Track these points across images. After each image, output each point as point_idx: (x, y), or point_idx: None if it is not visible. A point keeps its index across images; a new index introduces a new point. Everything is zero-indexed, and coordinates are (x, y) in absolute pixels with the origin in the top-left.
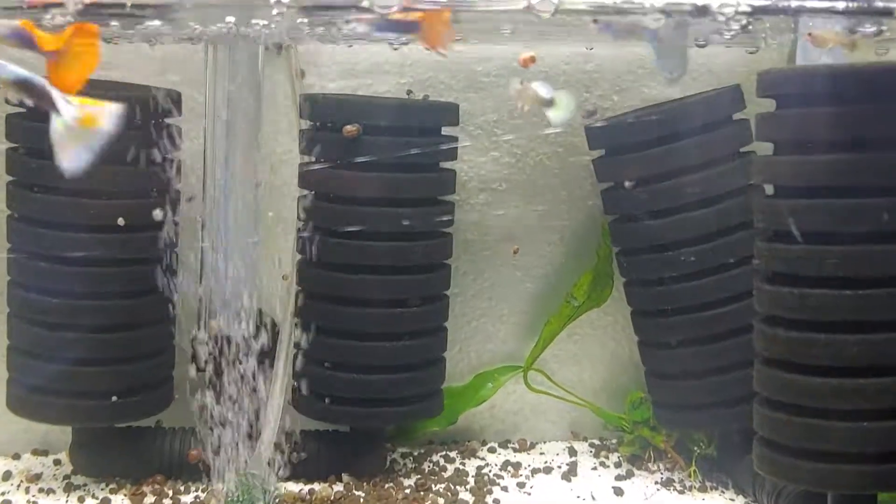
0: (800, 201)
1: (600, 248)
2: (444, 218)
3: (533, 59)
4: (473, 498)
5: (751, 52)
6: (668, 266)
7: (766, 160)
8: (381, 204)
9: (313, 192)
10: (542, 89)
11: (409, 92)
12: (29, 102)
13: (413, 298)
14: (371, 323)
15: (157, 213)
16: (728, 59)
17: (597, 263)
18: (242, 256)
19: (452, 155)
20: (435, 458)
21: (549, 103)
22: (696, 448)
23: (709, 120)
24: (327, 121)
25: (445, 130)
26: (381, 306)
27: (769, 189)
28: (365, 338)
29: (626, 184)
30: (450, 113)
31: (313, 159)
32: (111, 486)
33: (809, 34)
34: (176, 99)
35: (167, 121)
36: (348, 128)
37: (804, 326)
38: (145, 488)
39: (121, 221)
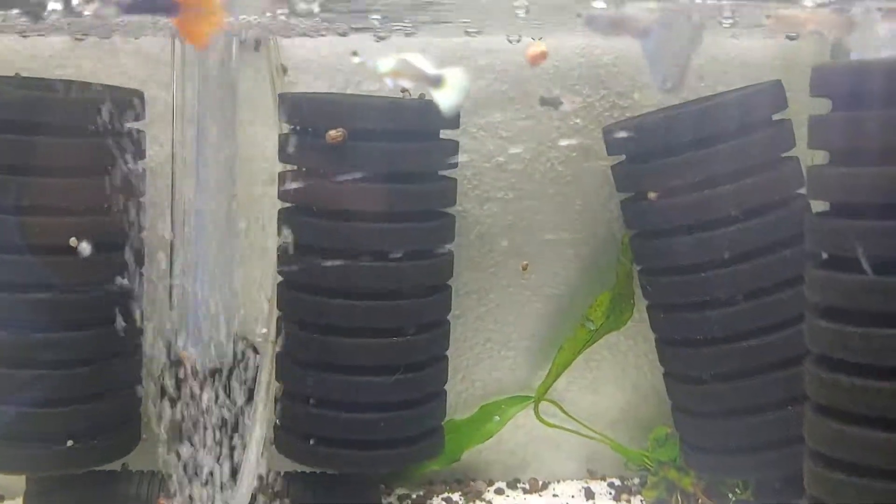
0: (865, 222)
1: (620, 265)
2: (444, 233)
3: (544, 56)
4: None
5: (791, 39)
6: (698, 289)
7: (820, 172)
8: (371, 219)
9: (294, 205)
10: (423, 64)
11: (403, 91)
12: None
13: (408, 326)
14: (360, 354)
15: (120, 231)
16: (763, 48)
17: (616, 282)
18: (217, 278)
19: (452, 162)
20: (436, 501)
21: (436, 82)
22: (730, 494)
23: (746, 121)
24: (308, 124)
25: (444, 134)
26: (371, 335)
27: (821, 205)
28: (353, 371)
29: (650, 195)
30: (450, 114)
31: (294, 168)
32: None
33: (769, 16)
34: (139, 100)
35: (129, 125)
36: (332, 132)
37: (869, 372)
38: None
39: (73, 242)
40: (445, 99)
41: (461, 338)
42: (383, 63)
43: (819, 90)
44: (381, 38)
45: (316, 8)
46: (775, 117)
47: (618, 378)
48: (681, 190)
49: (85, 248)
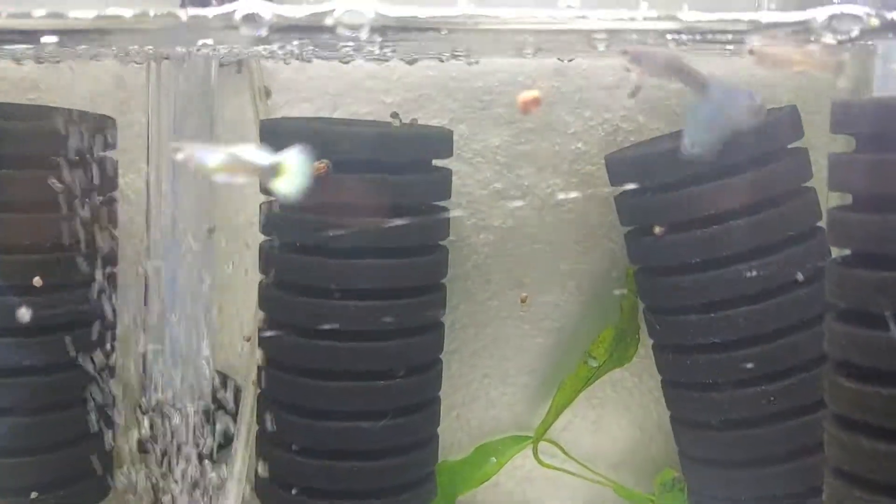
0: (891, 274)
1: (624, 298)
2: (437, 267)
3: (537, 102)
4: None
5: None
6: (707, 330)
7: (843, 217)
8: (358, 254)
9: (276, 239)
10: (255, 156)
11: (394, 115)
12: None
13: (398, 367)
14: (345, 398)
15: (86, 267)
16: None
17: (620, 316)
18: (194, 315)
19: (445, 192)
20: None
21: (272, 171)
22: None
23: (760, 150)
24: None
25: (437, 163)
26: (357, 378)
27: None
28: (338, 417)
29: (656, 229)
30: (441, 141)
31: (274, 200)
32: None
33: (751, 50)
34: (110, 126)
35: (100, 154)
36: (314, 164)
37: (892, 438)
38: None
39: (38, 281)
40: (285, 187)
41: (456, 374)
42: (210, 159)
43: (842, 127)
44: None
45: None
46: (791, 146)
47: (622, 417)
48: (689, 225)
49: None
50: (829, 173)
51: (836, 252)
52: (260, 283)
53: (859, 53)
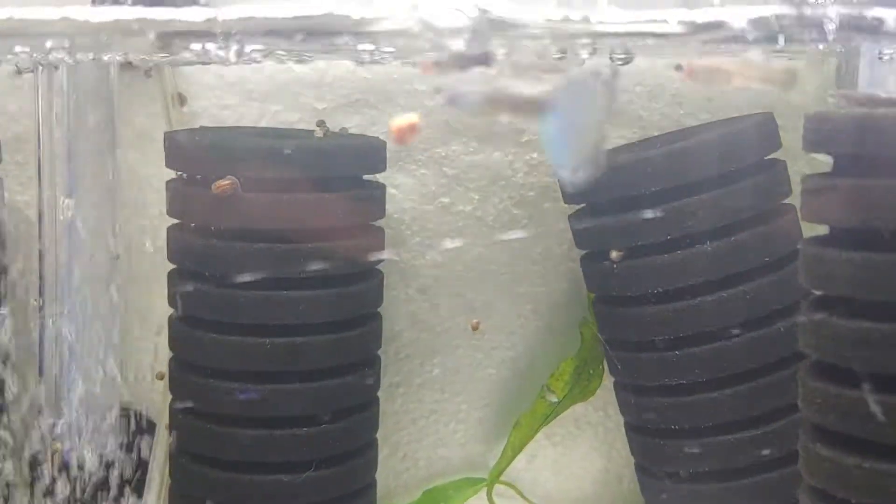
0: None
1: (585, 325)
2: (369, 296)
3: (413, 129)
4: None
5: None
6: (672, 369)
7: (817, 254)
8: (273, 286)
9: (180, 268)
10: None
11: (320, 123)
12: None
13: (322, 412)
14: (262, 449)
15: None
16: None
17: (581, 345)
18: (95, 351)
19: (378, 210)
20: None
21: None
22: None
23: (731, 164)
24: (196, 170)
25: (368, 177)
26: (276, 426)
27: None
28: (254, 470)
29: (613, 254)
30: (373, 153)
31: (181, 223)
32: None
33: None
34: None
35: None
36: (219, 182)
37: None
38: None
39: None
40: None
41: (401, 409)
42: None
43: (816, 146)
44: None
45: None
46: (766, 158)
47: (585, 456)
48: (649, 250)
49: None
50: (801, 202)
51: None
52: (170, 317)
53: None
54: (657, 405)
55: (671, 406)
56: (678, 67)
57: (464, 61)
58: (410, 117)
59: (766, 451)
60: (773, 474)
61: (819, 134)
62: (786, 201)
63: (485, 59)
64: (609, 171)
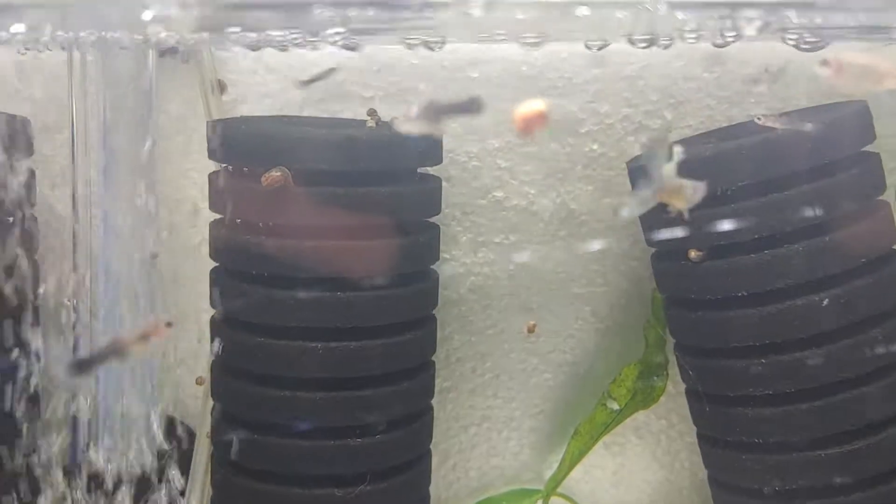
0: None
1: (649, 328)
2: (424, 299)
3: (542, 118)
4: None
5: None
6: (756, 380)
7: None
8: (325, 286)
9: (226, 267)
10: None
11: (371, 113)
12: None
13: (376, 422)
14: (312, 461)
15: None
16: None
17: (645, 350)
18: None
19: (434, 206)
20: None
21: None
22: None
23: (825, 157)
24: (243, 161)
25: (423, 170)
26: (326, 437)
27: None
28: (304, 483)
29: (692, 253)
30: (428, 147)
31: (227, 219)
32: None
33: (825, 62)
34: (23, 129)
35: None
36: (270, 174)
37: None
38: None
39: None
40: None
41: (452, 416)
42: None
43: None
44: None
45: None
46: (864, 150)
47: (647, 467)
48: (736, 249)
49: None
50: None
51: None
52: (212, 318)
53: None
54: (735, 416)
55: (754, 418)
56: (824, 63)
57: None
58: (537, 105)
59: (858, 469)
60: (866, 493)
61: None
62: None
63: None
64: (689, 163)
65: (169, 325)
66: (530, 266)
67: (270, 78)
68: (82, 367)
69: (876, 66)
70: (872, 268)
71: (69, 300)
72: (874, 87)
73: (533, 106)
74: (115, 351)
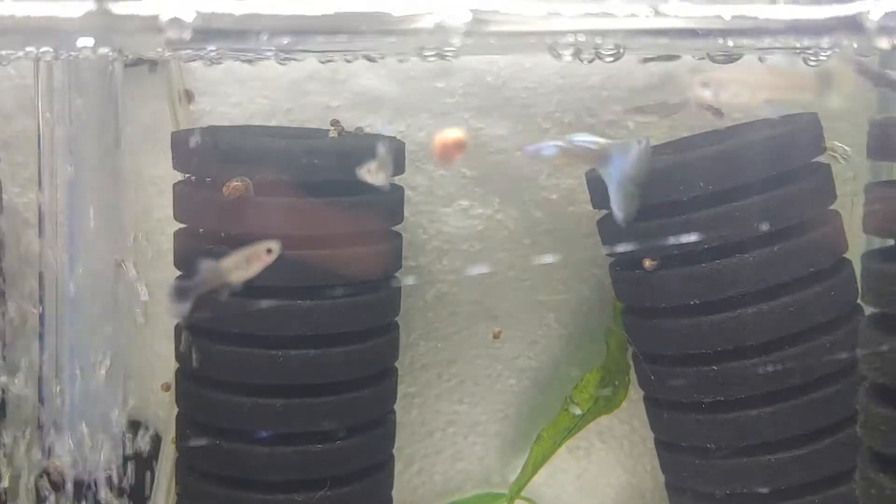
0: None
1: (611, 334)
2: (386, 306)
3: (460, 145)
4: None
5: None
6: (710, 385)
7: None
8: (287, 294)
9: (187, 275)
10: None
11: (334, 123)
12: None
13: (337, 429)
14: (271, 468)
15: None
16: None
17: (607, 355)
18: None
19: (396, 215)
20: None
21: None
22: None
23: (776, 167)
24: (205, 172)
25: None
26: (287, 443)
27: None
28: (265, 489)
29: (647, 262)
30: (391, 154)
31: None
32: None
33: (706, 83)
34: None
35: None
36: (231, 184)
37: None
38: None
39: None
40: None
41: (417, 421)
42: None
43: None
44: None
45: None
46: (812, 161)
47: (610, 471)
48: (688, 258)
49: None
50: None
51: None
52: (176, 325)
53: None
54: (691, 423)
55: (707, 424)
56: (704, 84)
57: None
58: (455, 132)
59: (809, 473)
60: (816, 497)
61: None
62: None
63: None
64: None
65: (269, 251)
66: (495, 274)
67: (238, 88)
68: (182, 293)
69: (745, 80)
70: (822, 276)
71: (35, 307)
72: (749, 101)
73: (452, 133)
74: (217, 277)
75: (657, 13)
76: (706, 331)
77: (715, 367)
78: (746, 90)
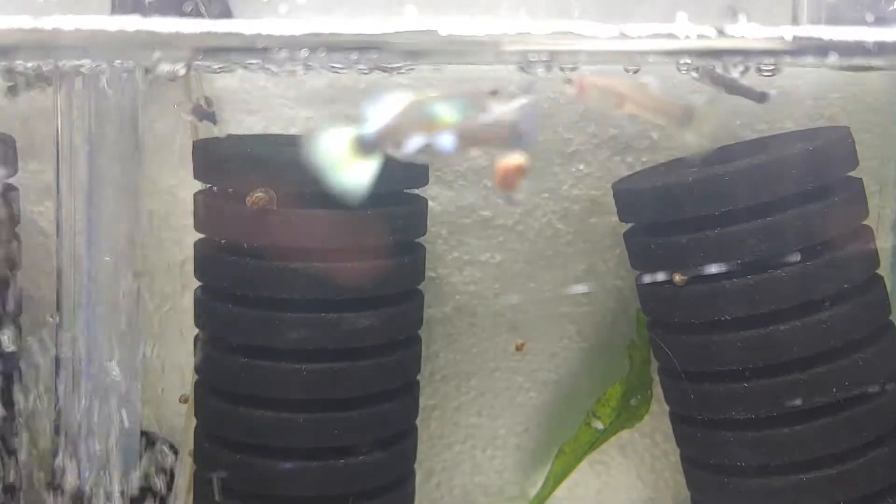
0: None
1: (634, 348)
2: (407, 319)
3: (521, 171)
4: None
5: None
6: (743, 403)
7: None
8: (309, 307)
9: (210, 287)
10: None
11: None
12: None
13: (361, 443)
14: (294, 483)
15: None
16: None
17: (629, 369)
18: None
19: (419, 227)
20: None
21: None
22: None
23: (812, 182)
24: (228, 182)
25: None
26: (310, 457)
27: None
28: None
29: (677, 277)
30: (416, 166)
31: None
32: None
33: (569, 80)
34: (5, 147)
35: None
36: (255, 195)
37: None
38: None
39: None
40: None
41: (436, 434)
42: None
43: None
44: None
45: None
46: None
47: (631, 486)
48: (721, 274)
49: None
50: None
51: None
52: (195, 337)
53: None
54: (722, 441)
55: (739, 443)
56: (568, 81)
57: None
58: (516, 158)
59: (841, 492)
60: None
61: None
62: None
63: None
64: (674, 188)
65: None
66: (516, 285)
67: (258, 95)
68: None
69: (615, 89)
70: (856, 293)
71: (52, 317)
72: (614, 110)
73: (514, 159)
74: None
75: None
76: (737, 347)
77: (745, 384)
78: (613, 99)
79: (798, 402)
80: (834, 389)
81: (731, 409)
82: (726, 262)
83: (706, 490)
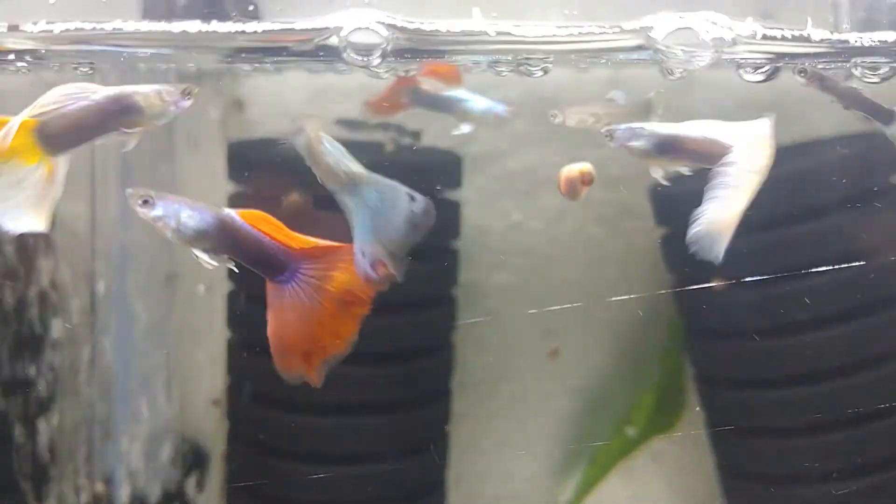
0: None
1: (667, 354)
2: (438, 325)
3: (587, 179)
4: None
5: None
6: (785, 411)
7: None
8: None
9: (245, 292)
10: None
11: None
12: None
13: (390, 449)
14: (324, 489)
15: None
16: None
17: (661, 376)
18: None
19: (452, 230)
20: None
21: None
22: None
23: (857, 186)
24: (262, 184)
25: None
26: (340, 462)
27: None
28: None
29: (715, 283)
30: (448, 168)
31: None
32: None
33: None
34: None
35: None
36: (290, 198)
37: None
38: None
39: None
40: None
41: (467, 440)
42: None
43: None
44: None
45: None
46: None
47: (664, 494)
48: (759, 281)
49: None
50: None
51: None
52: (228, 340)
53: None
54: (763, 450)
55: (781, 452)
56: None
57: None
58: (582, 166)
59: (881, 501)
60: None
61: None
62: None
63: None
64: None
65: None
66: (549, 290)
67: (291, 97)
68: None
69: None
70: None
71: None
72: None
73: (579, 167)
74: None
75: None
76: (775, 354)
77: (786, 392)
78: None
79: (845, 410)
80: (875, 397)
81: (768, 417)
82: (764, 268)
83: (742, 498)
